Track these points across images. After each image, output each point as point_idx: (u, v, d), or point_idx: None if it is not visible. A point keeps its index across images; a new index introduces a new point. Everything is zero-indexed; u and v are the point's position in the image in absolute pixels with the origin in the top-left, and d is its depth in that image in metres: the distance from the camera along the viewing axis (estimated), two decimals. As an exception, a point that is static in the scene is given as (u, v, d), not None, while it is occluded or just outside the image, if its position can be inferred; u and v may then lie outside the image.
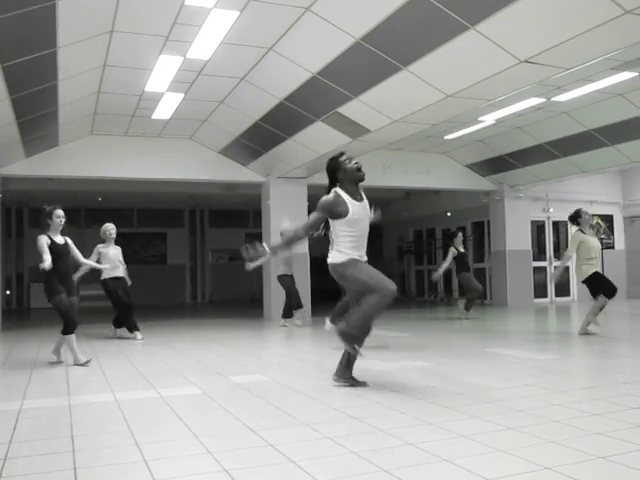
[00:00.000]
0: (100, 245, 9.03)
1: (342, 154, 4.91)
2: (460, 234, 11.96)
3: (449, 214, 17.40)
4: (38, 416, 4.35)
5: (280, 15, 6.67)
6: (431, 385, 5.04)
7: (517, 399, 4.41)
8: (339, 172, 4.83)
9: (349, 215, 4.72)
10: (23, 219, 18.60)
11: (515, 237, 14.74)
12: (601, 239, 16.03)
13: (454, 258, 11.61)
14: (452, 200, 16.72)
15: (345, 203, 4.74)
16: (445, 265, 11.63)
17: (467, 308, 11.44)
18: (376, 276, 4.73)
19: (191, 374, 5.87)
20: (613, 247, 16.45)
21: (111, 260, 8.91)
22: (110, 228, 9.14)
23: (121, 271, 9.15)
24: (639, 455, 3.07)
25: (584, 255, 8.19)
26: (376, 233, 21.51)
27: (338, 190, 4.80)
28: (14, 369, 6.48)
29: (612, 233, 16.39)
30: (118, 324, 9.39)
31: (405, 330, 9.66)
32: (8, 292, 18.20)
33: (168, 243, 20.69)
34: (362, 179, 4.85)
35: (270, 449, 3.32)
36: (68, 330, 6.48)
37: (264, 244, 4.94)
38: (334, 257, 4.80)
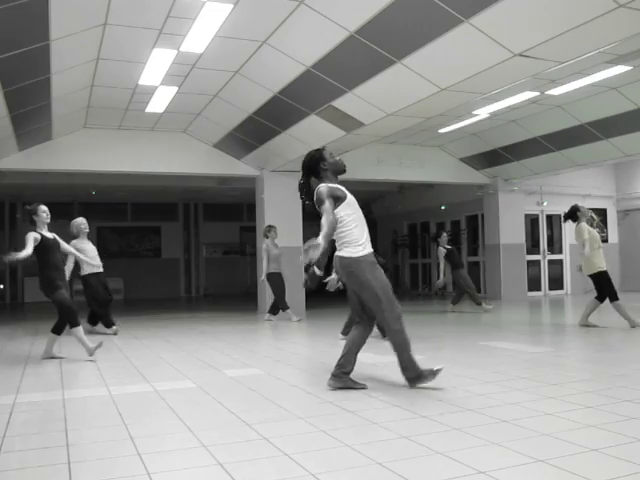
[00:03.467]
0: (75, 241, 8.80)
1: (324, 148, 4.91)
2: (444, 233, 11.94)
3: (443, 207, 17.42)
4: (32, 410, 4.34)
5: (274, 8, 6.64)
6: (425, 378, 5.05)
7: (511, 392, 4.43)
8: (323, 163, 4.76)
9: (348, 197, 4.64)
10: (16, 213, 18.53)
11: (509, 231, 14.77)
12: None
13: (446, 257, 11.60)
14: (446, 193, 16.74)
15: (338, 187, 4.67)
16: (442, 268, 11.61)
17: (477, 303, 11.38)
18: (386, 296, 4.56)
19: (185, 368, 5.87)
20: (607, 241, 16.50)
21: (92, 255, 8.74)
22: (82, 222, 9.09)
23: (99, 266, 9.04)
24: (633, 447, 3.09)
25: (593, 245, 8.26)
26: (370, 226, 21.56)
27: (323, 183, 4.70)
28: (8, 363, 6.46)
29: (606, 227, 16.43)
30: (94, 321, 9.25)
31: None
32: (2, 286, 18.15)
33: (162, 237, 20.66)
34: (345, 170, 4.82)
35: (264, 442, 3.33)
36: (74, 323, 6.39)
37: (316, 270, 4.91)
38: (348, 251, 4.59)
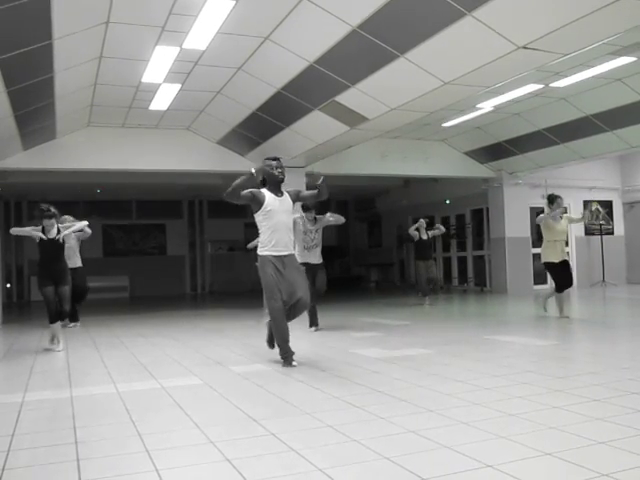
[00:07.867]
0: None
1: (273, 158, 5.80)
2: (422, 220, 12.17)
3: (448, 202, 17.37)
4: (40, 408, 4.36)
5: (276, 3, 6.63)
6: (431, 373, 5.05)
7: (517, 386, 4.42)
8: (265, 174, 5.65)
9: (264, 205, 5.49)
10: (22, 212, 18.57)
11: (514, 224, 14.73)
12: (600, 224, 16.06)
13: (414, 243, 12.10)
14: (451, 187, 16.69)
15: (264, 195, 5.53)
16: (412, 230, 12.09)
17: (424, 294, 12.01)
18: (267, 290, 5.52)
19: (192, 364, 5.89)
20: (612, 233, 16.46)
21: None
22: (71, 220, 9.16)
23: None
24: None
25: (547, 237, 8.75)
26: (374, 221, 21.55)
27: (263, 189, 5.63)
28: (15, 362, 6.49)
29: (611, 219, 16.39)
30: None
31: (404, 318, 9.67)
32: (8, 285, 18.20)
33: (167, 234, 20.69)
34: (278, 180, 5.69)
35: (271, 438, 3.34)
36: (50, 320, 7.19)
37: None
38: (259, 250, 5.60)
